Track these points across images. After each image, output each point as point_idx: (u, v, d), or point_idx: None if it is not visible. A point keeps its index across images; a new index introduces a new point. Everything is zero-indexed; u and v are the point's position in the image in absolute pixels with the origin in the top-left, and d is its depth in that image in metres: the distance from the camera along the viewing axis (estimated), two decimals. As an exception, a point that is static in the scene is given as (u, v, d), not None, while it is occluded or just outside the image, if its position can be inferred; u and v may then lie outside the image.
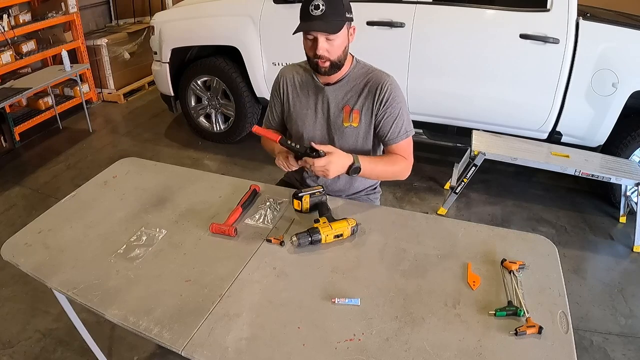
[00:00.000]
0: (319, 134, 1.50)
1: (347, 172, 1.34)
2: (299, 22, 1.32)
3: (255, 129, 1.38)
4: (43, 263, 1.20)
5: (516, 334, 0.94)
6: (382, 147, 1.58)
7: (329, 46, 1.31)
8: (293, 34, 1.33)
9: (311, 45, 1.33)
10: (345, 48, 1.36)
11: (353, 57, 1.45)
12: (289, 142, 1.33)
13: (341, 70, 1.41)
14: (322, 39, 1.30)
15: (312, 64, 1.38)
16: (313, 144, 1.31)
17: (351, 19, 1.34)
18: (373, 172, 1.40)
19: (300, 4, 1.30)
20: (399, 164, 1.44)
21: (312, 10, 1.27)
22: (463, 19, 2.50)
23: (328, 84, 1.44)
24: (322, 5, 1.26)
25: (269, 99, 1.60)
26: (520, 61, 2.44)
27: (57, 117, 3.86)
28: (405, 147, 1.46)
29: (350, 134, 1.46)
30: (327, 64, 1.34)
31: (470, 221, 1.34)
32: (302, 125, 1.51)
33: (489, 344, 0.93)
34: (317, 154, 1.29)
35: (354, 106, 1.43)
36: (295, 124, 1.52)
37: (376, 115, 1.43)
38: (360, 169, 1.34)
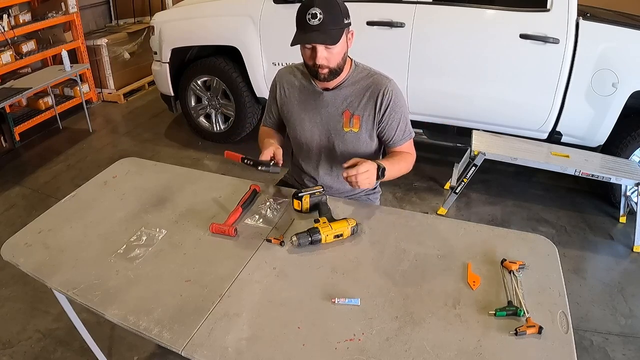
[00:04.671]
0: (317, 138, 1.50)
1: (377, 177, 1.30)
2: (295, 30, 1.29)
3: (226, 154, 1.40)
4: (43, 263, 1.20)
5: (516, 334, 0.94)
6: (381, 150, 1.58)
7: (328, 55, 1.29)
8: (291, 45, 1.29)
9: (310, 55, 1.31)
10: (344, 55, 1.34)
11: (352, 60, 1.43)
12: (246, 161, 1.35)
13: (340, 76, 1.39)
14: (321, 48, 1.27)
15: (312, 71, 1.36)
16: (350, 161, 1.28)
17: (349, 24, 1.31)
18: (393, 171, 1.37)
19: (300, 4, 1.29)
20: (409, 159, 1.46)
21: (309, 20, 1.23)
22: (463, 19, 2.50)
23: (327, 89, 1.43)
24: (320, 14, 1.22)
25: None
26: (520, 61, 2.44)
27: (57, 117, 3.86)
28: (408, 145, 1.49)
29: (351, 139, 1.45)
30: (327, 71, 1.33)
31: (470, 221, 1.34)
32: (301, 129, 1.50)
33: (489, 344, 0.93)
34: (274, 165, 1.34)
35: (355, 111, 1.42)
36: (294, 127, 1.52)
37: (379, 121, 1.43)
38: (385, 169, 1.31)
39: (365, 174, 1.25)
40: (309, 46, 1.30)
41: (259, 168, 1.33)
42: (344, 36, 1.30)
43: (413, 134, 1.49)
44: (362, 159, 1.29)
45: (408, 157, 1.46)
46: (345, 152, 1.49)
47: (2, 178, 3.12)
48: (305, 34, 1.26)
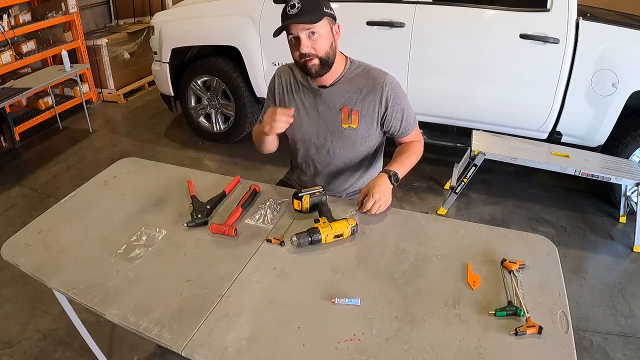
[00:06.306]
0: (315, 136, 1.50)
1: (392, 184, 1.35)
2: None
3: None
4: (43, 263, 1.20)
5: (516, 334, 0.94)
6: (383, 145, 1.59)
7: (312, 42, 1.30)
8: (274, 35, 1.32)
9: (295, 45, 1.32)
10: (331, 45, 1.34)
11: (347, 58, 1.44)
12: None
13: (335, 72, 1.40)
14: (303, 35, 1.29)
15: (301, 66, 1.36)
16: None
17: (333, 16, 1.34)
18: (405, 171, 1.43)
19: None
20: (417, 149, 1.49)
21: (289, 11, 1.28)
22: (463, 19, 2.50)
23: (324, 87, 1.43)
24: (298, 3, 1.26)
25: None
26: (520, 61, 2.44)
27: (57, 117, 3.87)
28: (415, 133, 1.51)
29: (350, 135, 1.46)
30: (316, 61, 1.32)
31: (470, 221, 1.34)
32: (299, 128, 1.50)
33: (489, 344, 0.93)
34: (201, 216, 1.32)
35: (353, 107, 1.42)
36: (292, 126, 1.51)
37: (383, 116, 1.43)
38: (397, 174, 1.37)
39: (382, 200, 1.30)
40: (292, 36, 1.31)
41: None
42: (327, 25, 1.31)
43: (417, 120, 1.51)
44: (370, 187, 1.33)
45: (416, 148, 1.49)
46: (344, 149, 1.49)
47: (2, 178, 3.12)
48: (284, 22, 1.30)
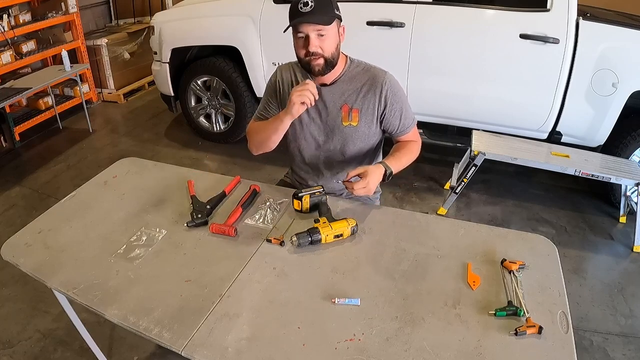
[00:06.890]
0: (316, 135, 1.50)
1: (384, 180, 1.37)
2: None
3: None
4: (43, 263, 1.20)
5: (516, 334, 0.94)
6: (382, 143, 1.59)
7: (320, 42, 1.31)
8: (284, 31, 1.33)
9: (302, 44, 1.32)
10: (337, 46, 1.35)
11: (347, 56, 1.46)
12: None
13: (336, 71, 1.41)
14: (313, 35, 1.30)
15: (305, 64, 1.36)
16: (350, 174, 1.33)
17: (340, 17, 1.35)
18: (400, 168, 1.44)
19: None
20: (414, 149, 1.50)
21: (301, 8, 1.27)
22: (463, 19, 2.50)
23: (324, 85, 1.44)
24: (311, 2, 1.27)
25: None
26: (520, 61, 2.44)
27: (57, 117, 3.86)
28: (413, 132, 1.52)
29: (350, 133, 1.46)
30: (321, 61, 1.33)
31: (470, 221, 1.34)
32: (300, 127, 1.50)
33: (489, 344, 0.93)
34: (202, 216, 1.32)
35: (353, 105, 1.43)
36: (292, 125, 1.51)
37: (382, 113, 1.44)
38: (392, 172, 1.38)
39: (371, 189, 1.30)
40: (301, 35, 1.31)
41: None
42: (335, 26, 1.33)
43: (415, 121, 1.51)
44: (366, 167, 1.34)
45: (413, 147, 1.50)
46: (344, 147, 1.50)
47: (2, 178, 3.12)
48: (296, 19, 1.29)
